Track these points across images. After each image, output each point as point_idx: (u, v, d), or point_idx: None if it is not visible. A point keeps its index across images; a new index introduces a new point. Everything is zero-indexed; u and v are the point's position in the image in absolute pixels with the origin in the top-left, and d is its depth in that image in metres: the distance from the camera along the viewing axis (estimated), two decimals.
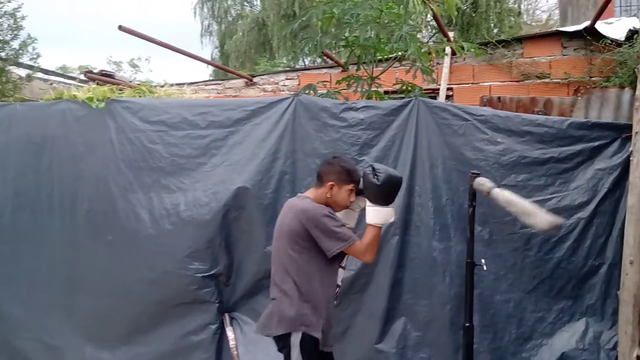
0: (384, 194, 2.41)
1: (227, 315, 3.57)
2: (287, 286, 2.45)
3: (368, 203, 2.44)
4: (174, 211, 3.51)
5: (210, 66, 14.98)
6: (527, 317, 3.15)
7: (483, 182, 2.47)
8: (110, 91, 3.87)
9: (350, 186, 2.53)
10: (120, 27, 4.04)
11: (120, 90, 4.05)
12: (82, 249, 3.75)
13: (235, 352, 3.49)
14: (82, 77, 6.09)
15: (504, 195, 2.47)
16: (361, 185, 2.51)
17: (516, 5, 13.52)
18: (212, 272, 3.47)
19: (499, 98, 3.31)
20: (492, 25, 11.96)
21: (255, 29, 14.10)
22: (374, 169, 2.39)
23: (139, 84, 4.21)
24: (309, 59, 13.69)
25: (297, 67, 11.56)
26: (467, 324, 2.53)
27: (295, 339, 2.40)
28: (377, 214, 2.43)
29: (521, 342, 3.15)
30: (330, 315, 2.51)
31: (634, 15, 6.08)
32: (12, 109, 4.04)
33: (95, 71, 5.68)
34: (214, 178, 3.51)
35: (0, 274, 3.94)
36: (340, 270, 2.60)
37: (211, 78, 12.87)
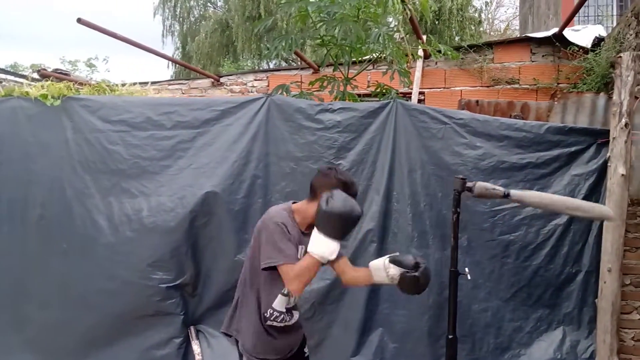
0: (327, 222, 2.08)
1: (192, 328, 3.38)
2: (240, 294, 2.36)
3: (317, 234, 2.12)
4: (135, 217, 3.28)
5: (171, 68, 14.63)
6: (505, 327, 3.11)
7: (491, 186, 2.35)
8: (66, 88, 3.60)
9: None
10: (79, 20, 3.79)
11: (78, 87, 3.79)
12: (34, 258, 3.47)
13: None
14: (35, 75, 5.74)
15: (530, 194, 2.37)
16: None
17: (476, 15, 13.82)
18: (177, 283, 3.27)
19: (477, 101, 3.27)
20: (455, 33, 12.18)
21: (218, 31, 13.88)
22: (331, 194, 2.10)
23: (98, 82, 3.95)
24: (274, 61, 13.55)
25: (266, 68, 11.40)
26: (450, 336, 2.43)
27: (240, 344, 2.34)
28: (317, 242, 2.10)
29: (499, 353, 3.10)
30: (264, 332, 2.28)
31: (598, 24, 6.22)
32: None
33: (49, 70, 5.36)
34: (180, 182, 3.30)
35: None
36: (283, 298, 2.27)
37: (174, 78, 12.55)
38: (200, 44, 13.84)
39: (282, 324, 2.30)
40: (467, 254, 3.06)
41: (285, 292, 2.24)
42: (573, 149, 3.10)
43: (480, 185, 2.33)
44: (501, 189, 2.34)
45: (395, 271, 2.26)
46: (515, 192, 2.37)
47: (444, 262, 3.06)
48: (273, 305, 2.25)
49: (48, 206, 3.44)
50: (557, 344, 3.05)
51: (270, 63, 13.39)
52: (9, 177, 3.53)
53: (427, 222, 3.11)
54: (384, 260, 2.31)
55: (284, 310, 2.28)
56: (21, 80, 6.19)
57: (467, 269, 2.52)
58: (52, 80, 3.71)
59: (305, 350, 2.52)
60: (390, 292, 3.15)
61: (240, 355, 2.36)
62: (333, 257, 2.13)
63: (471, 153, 3.08)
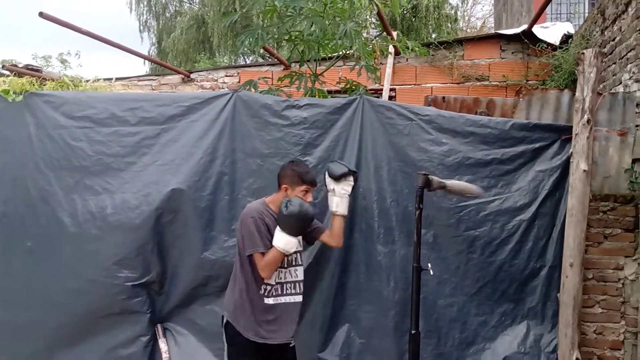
0: (286, 223, 2.55)
1: (159, 326, 3.34)
2: (232, 276, 2.74)
3: (278, 232, 2.57)
4: (99, 215, 3.23)
5: (147, 64, 14.43)
6: (470, 321, 3.13)
7: (438, 180, 2.44)
8: (29, 84, 3.52)
9: (303, 187, 2.67)
10: (41, 14, 3.70)
11: (42, 83, 3.70)
12: None
13: None
14: (4, 72, 5.60)
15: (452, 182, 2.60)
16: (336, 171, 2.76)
17: (453, 12, 13.91)
18: (143, 280, 3.22)
19: (443, 98, 3.28)
20: (431, 30, 12.25)
21: (194, 27, 13.74)
22: (289, 201, 2.57)
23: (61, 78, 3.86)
24: (250, 57, 13.48)
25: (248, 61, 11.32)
26: (413, 331, 2.44)
27: (225, 321, 2.71)
28: (279, 238, 2.56)
29: (464, 347, 3.12)
30: (261, 307, 2.64)
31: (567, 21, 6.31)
32: None
33: (20, 66, 5.23)
34: (145, 179, 3.25)
35: None
36: (292, 269, 2.73)
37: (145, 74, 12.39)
38: (175, 40, 13.68)
39: (272, 302, 2.65)
40: (432, 250, 3.08)
41: (300, 263, 2.76)
42: (537, 145, 3.13)
43: (435, 179, 2.38)
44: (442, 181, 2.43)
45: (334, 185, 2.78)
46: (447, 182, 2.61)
47: (409, 258, 3.03)
48: (265, 280, 2.63)
49: (10, 204, 3.37)
50: (521, 338, 3.09)
51: (247, 59, 13.32)
52: None
53: (393, 219, 3.11)
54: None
55: (274, 283, 2.67)
56: None
57: (429, 265, 2.55)
58: (18, 76, 3.62)
59: (292, 342, 2.74)
60: (357, 288, 3.16)
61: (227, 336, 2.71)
62: (293, 250, 2.59)
63: (437, 149, 3.09)
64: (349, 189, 2.79)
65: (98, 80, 3.79)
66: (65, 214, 3.26)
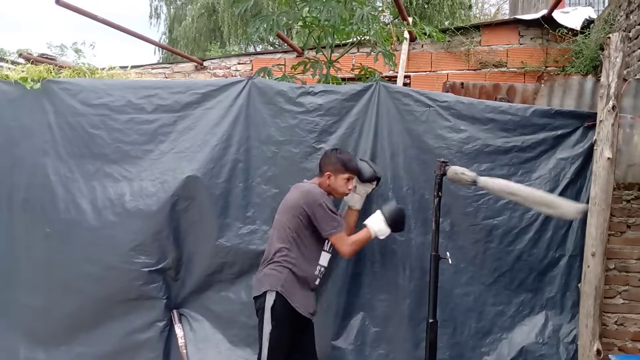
0: (398, 217, 2.76)
1: (175, 312, 3.36)
2: (276, 254, 2.72)
3: (380, 216, 2.74)
4: (118, 202, 3.25)
5: (157, 53, 14.44)
6: (487, 311, 3.09)
7: (462, 171, 2.33)
8: (46, 71, 3.54)
9: (346, 175, 2.77)
10: (58, 2, 3.70)
11: (59, 70, 3.72)
12: (17, 241, 3.45)
13: (185, 351, 3.29)
14: (20, 60, 5.65)
15: (498, 182, 2.36)
16: (365, 174, 2.84)
17: None
18: (159, 267, 3.24)
19: (461, 84, 3.22)
20: (445, 17, 12.07)
21: (205, 15, 13.69)
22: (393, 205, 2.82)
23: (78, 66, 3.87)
24: (260, 46, 13.42)
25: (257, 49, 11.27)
26: (431, 320, 2.42)
27: (270, 298, 2.65)
28: (379, 223, 2.73)
29: (481, 337, 3.09)
30: (310, 286, 2.78)
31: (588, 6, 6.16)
32: None
33: (35, 55, 5.27)
34: (162, 166, 3.26)
35: None
36: (325, 253, 2.83)
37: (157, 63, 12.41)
38: (187, 28, 13.66)
39: (317, 281, 2.82)
40: (449, 239, 3.04)
41: (328, 249, 2.84)
42: (559, 132, 3.05)
43: (452, 169, 2.31)
44: (470, 174, 2.32)
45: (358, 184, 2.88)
46: (482, 179, 2.35)
47: (425, 246, 3.03)
48: (320, 262, 2.80)
49: (31, 190, 3.41)
50: (540, 328, 3.04)
51: (256, 48, 13.27)
52: None
53: (409, 207, 3.07)
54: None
55: (326, 265, 2.85)
56: (5, 65, 6.10)
57: (448, 253, 2.52)
58: (32, 63, 3.64)
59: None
60: (371, 277, 3.14)
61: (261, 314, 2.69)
62: (383, 236, 2.76)
63: (455, 136, 3.03)
64: (370, 190, 2.92)
65: (114, 68, 3.79)
66: (85, 201, 3.29)
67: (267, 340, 2.64)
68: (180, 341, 3.31)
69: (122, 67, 3.88)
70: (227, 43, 13.35)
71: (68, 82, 3.45)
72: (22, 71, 3.56)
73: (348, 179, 2.77)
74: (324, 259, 2.82)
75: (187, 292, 3.35)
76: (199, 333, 3.33)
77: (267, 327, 2.64)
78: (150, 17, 14.91)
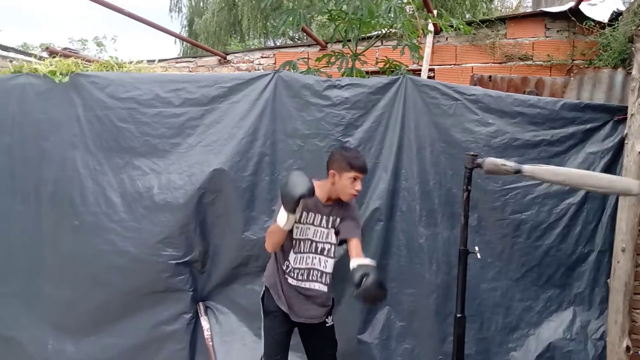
0: (282, 197, 2.44)
1: (201, 304, 3.40)
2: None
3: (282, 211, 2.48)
4: (146, 194, 3.29)
5: (178, 46, 14.50)
6: (515, 306, 3.07)
7: (502, 162, 2.29)
8: (74, 65, 3.58)
9: (351, 174, 2.54)
10: None
11: (86, 64, 3.76)
12: (46, 234, 3.50)
13: (211, 343, 3.33)
14: (44, 54, 5.71)
15: (545, 168, 2.30)
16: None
17: None
18: (186, 259, 3.28)
19: (489, 77, 3.18)
20: (466, 10, 11.91)
21: (225, 9, 13.67)
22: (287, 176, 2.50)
23: (106, 59, 3.91)
24: (280, 40, 13.39)
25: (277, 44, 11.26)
26: (459, 315, 2.41)
27: (263, 290, 2.75)
28: (279, 213, 2.48)
29: (508, 332, 3.08)
30: (278, 281, 2.68)
31: None
32: None
33: (58, 49, 5.33)
34: (190, 159, 3.29)
35: None
36: (292, 253, 2.65)
37: (181, 57, 12.46)
38: (207, 22, 13.66)
39: (295, 282, 2.65)
40: (477, 233, 3.02)
41: (331, 255, 2.66)
42: (589, 126, 3.01)
43: (490, 161, 2.28)
44: (513, 164, 2.29)
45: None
46: (527, 167, 2.31)
47: (452, 241, 3.02)
48: (287, 258, 2.64)
49: (60, 183, 3.45)
50: (567, 324, 3.02)
51: (276, 42, 13.24)
52: (22, 155, 3.54)
53: (435, 201, 3.06)
54: (354, 263, 2.42)
55: (295, 266, 2.64)
56: (31, 59, 6.19)
57: (476, 248, 2.49)
58: (60, 57, 3.69)
59: (328, 320, 2.75)
60: (398, 271, 3.14)
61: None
62: (288, 226, 2.46)
63: (483, 130, 3.01)
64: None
65: (141, 62, 3.82)
66: (115, 194, 3.33)
67: (263, 330, 2.73)
68: (207, 333, 3.34)
69: (149, 61, 3.90)
70: (247, 37, 13.35)
71: (96, 75, 3.48)
72: (51, 64, 3.60)
73: (354, 178, 2.55)
74: (291, 256, 2.64)
75: (213, 285, 3.39)
76: (224, 326, 3.37)
77: (263, 316, 2.74)
78: (171, 11, 14.96)
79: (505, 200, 3.01)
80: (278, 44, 12.97)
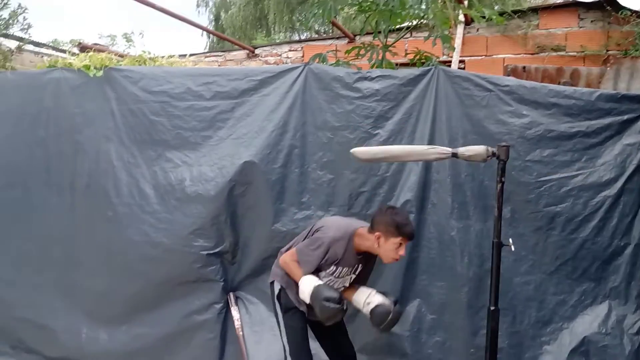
0: (314, 300, 2.44)
1: (231, 295, 3.44)
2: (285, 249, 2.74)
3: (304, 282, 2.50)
4: (178, 186, 3.34)
5: (204, 41, 14.61)
6: (548, 300, 3.02)
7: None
8: (108, 59, 3.64)
9: (398, 239, 2.45)
10: None
11: (119, 59, 3.83)
12: (81, 225, 3.58)
13: (241, 333, 3.37)
14: (75, 50, 5.82)
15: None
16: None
17: None
18: (217, 250, 3.32)
19: (523, 67, 3.13)
20: (495, 1, 11.71)
21: (251, 3, 13.74)
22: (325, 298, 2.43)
23: (139, 54, 3.97)
24: (305, 34, 13.39)
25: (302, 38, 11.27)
26: (492, 308, 2.39)
27: (276, 288, 2.71)
28: (307, 284, 2.48)
29: (541, 326, 3.03)
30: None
31: None
32: (3, 77, 3.83)
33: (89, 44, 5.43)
34: (220, 152, 3.33)
35: None
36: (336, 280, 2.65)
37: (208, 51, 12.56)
38: (233, 17, 13.76)
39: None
40: (510, 226, 2.98)
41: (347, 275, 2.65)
42: (625, 117, 2.93)
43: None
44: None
45: (375, 299, 2.55)
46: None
47: (484, 233, 2.99)
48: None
49: (94, 175, 3.53)
50: (602, 318, 2.95)
51: (301, 36, 13.25)
52: (57, 149, 3.63)
53: (467, 193, 3.03)
54: (371, 290, 2.60)
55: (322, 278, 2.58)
56: (63, 55, 6.32)
57: (510, 240, 2.46)
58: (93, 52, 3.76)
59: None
60: (428, 263, 3.12)
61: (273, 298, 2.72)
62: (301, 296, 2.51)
63: (517, 121, 2.96)
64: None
65: (172, 56, 3.87)
66: (148, 186, 3.40)
67: (284, 327, 2.69)
68: (237, 323, 3.38)
69: (180, 55, 3.95)
70: (273, 31, 13.41)
71: (129, 69, 3.55)
72: (85, 59, 3.67)
73: (400, 244, 2.46)
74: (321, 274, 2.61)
75: (243, 276, 3.42)
76: (254, 316, 3.40)
77: (280, 316, 2.70)
78: (198, 6, 15.11)
79: (539, 192, 2.96)
80: (302, 37, 12.97)
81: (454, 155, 2.41)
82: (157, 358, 3.44)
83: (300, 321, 2.68)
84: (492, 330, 2.42)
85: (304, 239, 2.63)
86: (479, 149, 2.36)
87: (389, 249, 2.46)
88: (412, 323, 3.12)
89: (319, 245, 2.50)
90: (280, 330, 2.71)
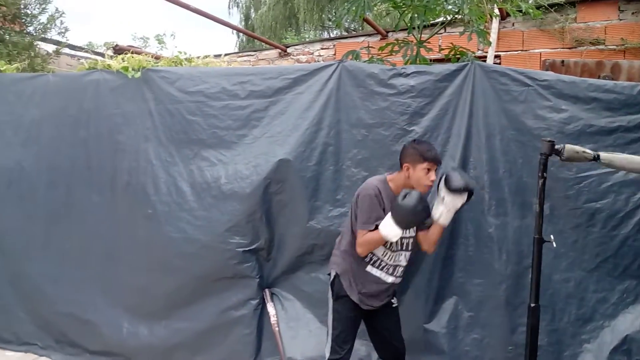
0: (398, 213, 2.51)
1: (267, 291, 3.48)
2: (342, 242, 2.82)
3: (389, 219, 2.55)
4: (215, 184, 3.40)
5: (235, 43, 14.76)
6: (588, 298, 2.96)
7: (581, 149, 2.26)
8: (145, 61, 3.73)
9: (425, 165, 2.61)
10: None
11: (156, 60, 3.91)
12: (121, 222, 3.67)
13: (277, 329, 3.41)
14: (109, 52, 5.96)
15: (621, 157, 2.34)
16: (454, 183, 2.62)
17: None
18: (252, 247, 3.36)
19: (562, 62, 3.07)
20: None
21: (281, 3, 13.82)
22: (409, 192, 2.52)
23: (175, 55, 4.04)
24: (335, 32, 13.39)
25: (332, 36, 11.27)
26: (533, 304, 2.36)
27: (331, 275, 2.81)
28: (386, 225, 2.54)
29: (581, 324, 2.97)
30: (361, 280, 2.72)
31: None
32: (45, 80, 3.94)
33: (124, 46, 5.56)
34: (255, 150, 3.37)
35: (33, 251, 3.87)
36: (405, 253, 2.75)
37: (238, 51, 12.67)
38: (263, 16, 13.85)
39: (378, 274, 2.72)
40: (549, 222, 2.91)
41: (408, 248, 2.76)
42: None
43: (570, 148, 2.21)
44: (591, 151, 2.22)
45: (446, 194, 2.65)
46: (605, 155, 2.25)
47: (523, 230, 2.95)
48: (374, 252, 2.69)
49: (134, 174, 3.61)
50: None
51: (331, 34, 13.25)
52: (97, 148, 3.72)
53: (505, 189, 2.99)
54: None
55: (380, 255, 2.71)
56: (99, 57, 6.49)
57: (552, 237, 2.43)
58: (130, 54, 3.85)
59: (393, 301, 2.85)
60: (465, 260, 3.10)
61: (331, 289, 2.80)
62: (394, 240, 2.57)
63: (556, 116, 2.90)
64: (459, 205, 2.68)
65: (208, 56, 3.93)
66: (185, 184, 3.46)
67: (331, 312, 2.79)
68: (273, 319, 3.42)
69: (216, 56, 4.01)
70: (302, 30, 13.47)
71: (166, 70, 3.62)
72: (123, 61, 3.77)
73: (428, 170, 2.62)
74: (380, 249, 2.70)
75: (278, 272, 3.46)
76: (290, 312, 3.43)
77: (330, 302, 2.80)
78: (230, 7, 15.29)
79: (579, 188, 2.90)
80: (333, 36, 12.98)
81: None
82: (195, 352, 3.50)
83: (349, 310, 2.74)
84: (533, 327, 2.39)
85: (355, 219, 2.69)
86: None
87: (419, 176, 2.61)
88: (449, 320, 3.10)
89: (368, 203, 2.61)
90: (328, 315, 2.81)
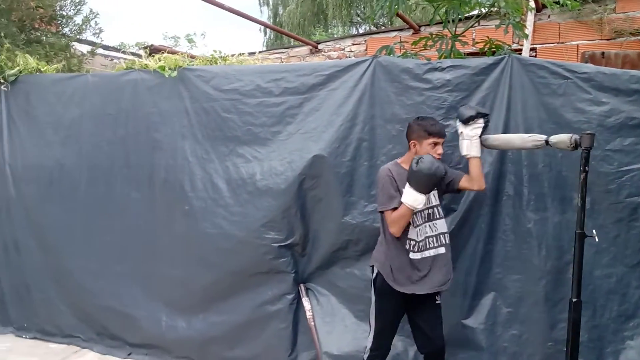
0: (416, 179, 2.55)
1: (302, 286, 3.51)
2: (379, 235, 2.86)
3: (407, 188, 2.60)
4: (250, 180, 3.44)
5: (262, 39, 14.82)
6: (631, 294, 2.90)
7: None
8: (181, 60, 3.79)
9: (430, 139, 2.69)
10: None
11: (191, 59, 3.97)
12: (159, 218, 3.75)
13: (313, 323, 3.43)
14: (141, 52, 6.07)
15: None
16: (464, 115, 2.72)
17: None
18: (287, 242, 3.40)
19: (602, 53, 3.00)
20: None
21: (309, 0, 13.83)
22: (420, 157, 2.56)
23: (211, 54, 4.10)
24: (364, 28, 13.33)
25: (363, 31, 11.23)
26: (574, 299, 2.33)
27: (374, 272, 2.84)
28: (408, 195, 2.59)
29: (623, 320, 2.92)
30: (406, 262, 2.72)
31: None
32: (84, 80, 4.03)
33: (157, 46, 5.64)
34: (290, 147, 3.39)
35: (74, 246, 3.99)
36: (412, 228, 2.73)
37: (266, 49, 12.74)
38: (291, 13, 13.88)
39: (420, 256, 2.71)
40: (589, 217, 2.85)
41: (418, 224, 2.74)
42: None
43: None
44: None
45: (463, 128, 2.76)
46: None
47: (563, 225, 2.91)
48: (409, 236, 2.71)
49: (171, 171, 3.68)
50: None
51: (358, 30, 13.21)
52: (135, 146, 3.80)
53: (545, 184, 2.94)
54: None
55: (417, 238, 2.72)
56: (131, 58, 6.61)
57: (594, 231, 2.39)
58: (166, 53, 3.91)
59: (437, 298, 2.82)
60: (504, 256, 3.06)
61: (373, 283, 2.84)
62: (420, 206, 2.61)
63: (596, 109, 2.84)
64: (478, 131, 2.73)
65: (242, 54, 3.97)
66: (221, 180, 3.51)
67: (374, 309, 2.81)
68: (308, 314, 3.45)
69: (250, 54, 4.05)
70: (330, 26, 13.46)
71: (201, 69, 3.67)
72: (160, 60, 3.83)
73: (434, 143, 2.70)
74: (413, 232, 2.72)
75: (313, 268, 3.48)
76: (325, 307, 3.46)
77: (373, 297, 2.82)
78: (261, 5, 15.35)
79: (620, 182, 2.84)
80: (362, 31, 12.94)
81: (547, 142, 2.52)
82: (232, 346, 3.57)
83: (392, 307, 2.79)
84: (574, 322, 2.36)
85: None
86: (563, 137, 2.38)
87: (427, 150, 2.68)
88: (487, 316, 3.08)
89: (382, 183, 2.71)
90: (370, 310, 2.85)
